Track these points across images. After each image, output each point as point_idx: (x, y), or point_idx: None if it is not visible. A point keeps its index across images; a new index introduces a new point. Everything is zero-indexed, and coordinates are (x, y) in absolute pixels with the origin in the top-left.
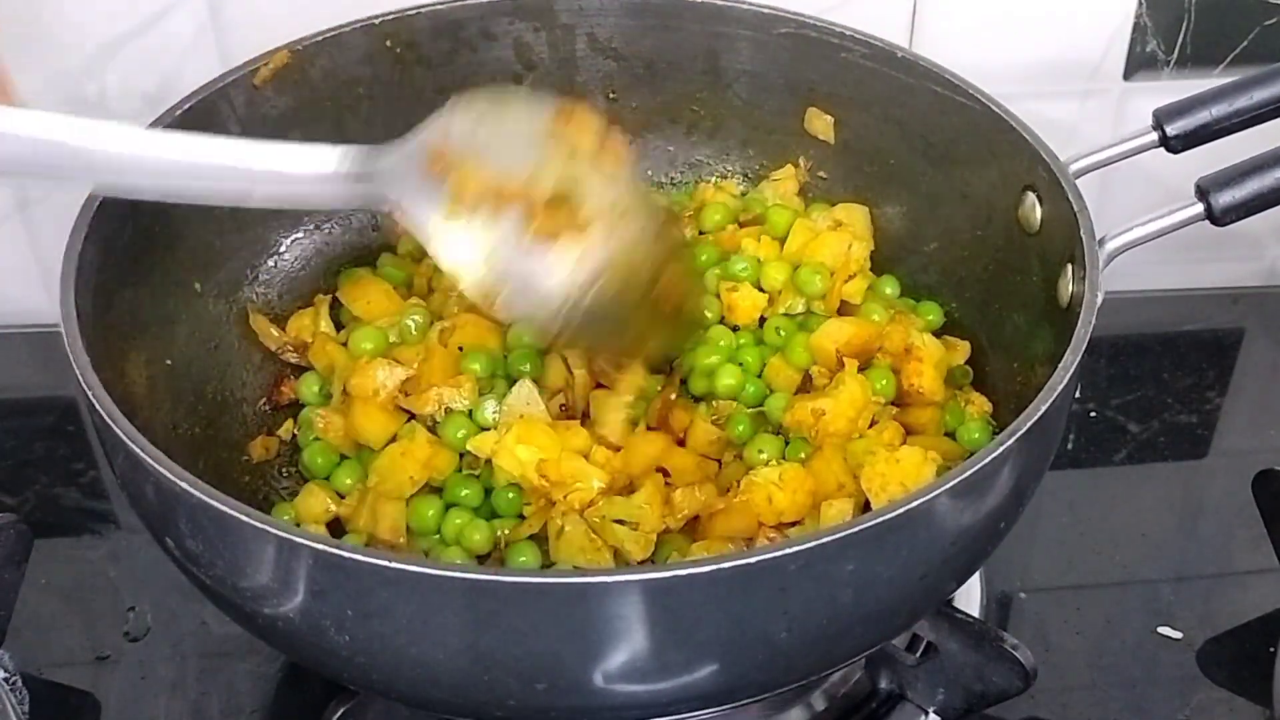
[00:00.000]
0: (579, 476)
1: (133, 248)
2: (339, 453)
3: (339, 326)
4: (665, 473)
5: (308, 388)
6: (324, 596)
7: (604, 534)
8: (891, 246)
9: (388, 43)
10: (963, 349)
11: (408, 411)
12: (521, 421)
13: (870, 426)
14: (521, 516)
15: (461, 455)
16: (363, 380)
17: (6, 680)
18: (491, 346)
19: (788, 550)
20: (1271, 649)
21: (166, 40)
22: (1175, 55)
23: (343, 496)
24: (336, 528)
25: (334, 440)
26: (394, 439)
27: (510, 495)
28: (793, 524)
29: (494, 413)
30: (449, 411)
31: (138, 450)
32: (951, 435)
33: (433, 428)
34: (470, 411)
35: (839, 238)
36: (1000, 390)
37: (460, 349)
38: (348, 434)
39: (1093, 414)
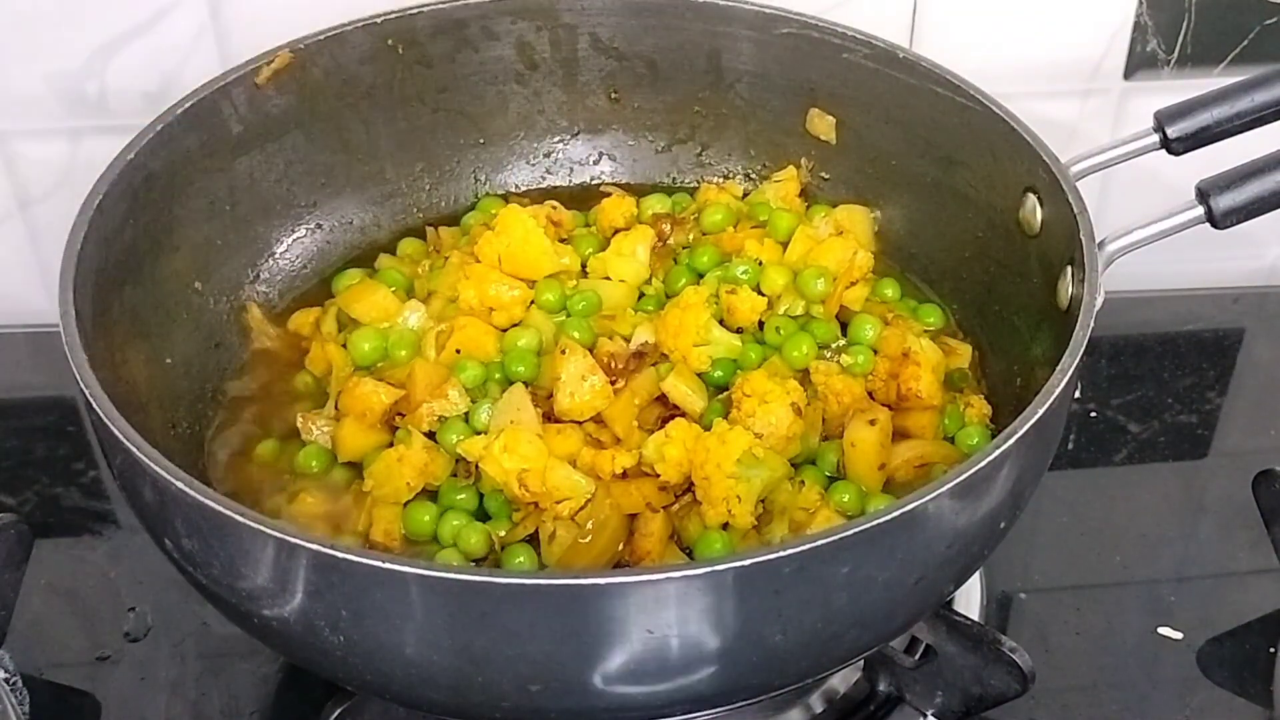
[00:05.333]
0: (565, 487)
1: (133, 248)
2: (334, 453)
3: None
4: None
5: (303, 386)
6: (319, 597)
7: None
8: (892, 248)
9: (389, 42)
10: (965, 352)
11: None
12: (509, 429)
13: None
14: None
15: (457, 460)
16: (352, 400)
17: (6, 680)
18: (488, 349)
19: (782, 553)
20: (1271, 649)
21: (166, 40)
22: (1175, 55)
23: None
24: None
25: (328, 444)
26: (390, 445)
27: (500, 499)
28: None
29: (488, 417)
30: (444, 420)
31: (135, 450)
32: (951, 439)
33: (432, 433)
34: (467, 415)
35: (844, 244)
36: (1000, 392)
37: (458, 351)
38: (338, 445)
39: (1093, 414)
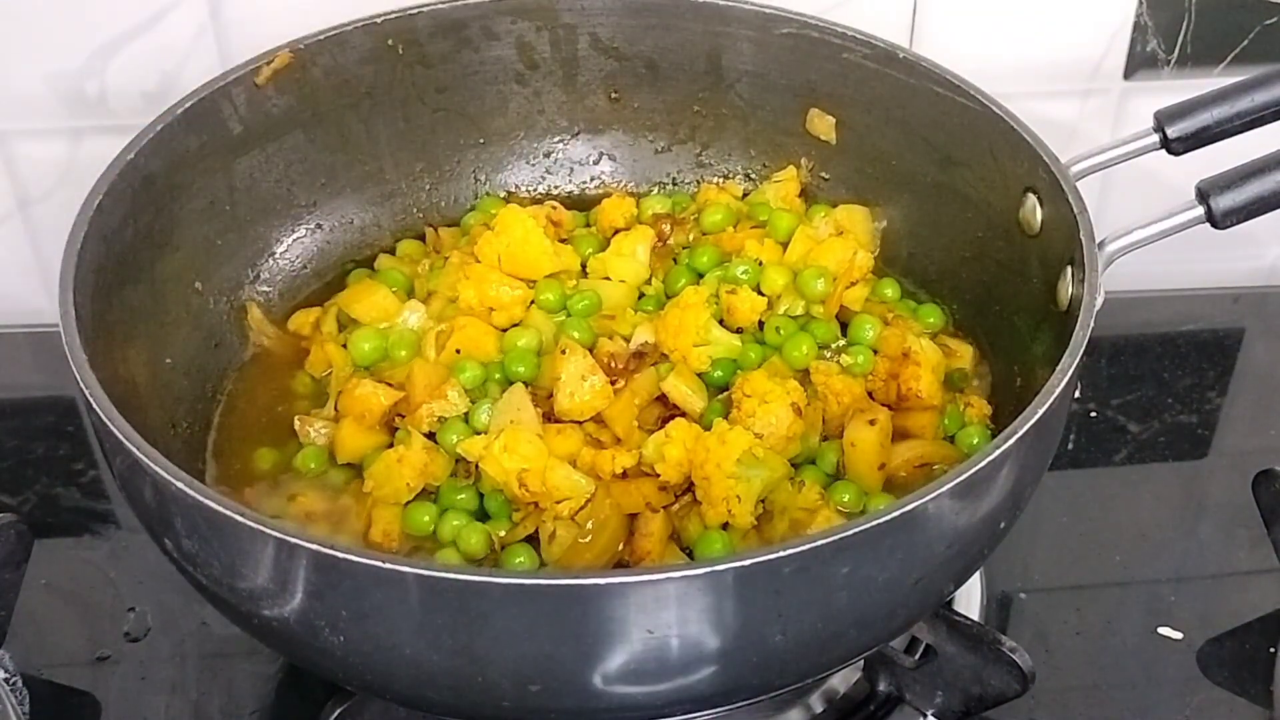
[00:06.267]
0: (565, 487)
1: (133, 248)
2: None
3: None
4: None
5: (302, 387)
6: (319, 597)
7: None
8: (892, 248)
9: (389, 42)
10: (965, 352)
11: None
12: (509, 429)
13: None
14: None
15: (457, 460)
16: (352, 401)
17: (6, 680)
18: (488, 349)
19: (782, 553)
20: (1271, 649)
21: (166, 40)
22: (1175, 55)
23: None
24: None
25: (325, 446)
26: (389, 446)
27: (500, 499)
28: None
29: (488, 417)
30: (443, 420)
31: (135, 450)
32: (951, 439)
33: (432, 433)
34: (467, 415)
35: (844, 244)
36: (1000, 392)
37: (458, 351)
38: (337, 447)
39: (1093, 414)
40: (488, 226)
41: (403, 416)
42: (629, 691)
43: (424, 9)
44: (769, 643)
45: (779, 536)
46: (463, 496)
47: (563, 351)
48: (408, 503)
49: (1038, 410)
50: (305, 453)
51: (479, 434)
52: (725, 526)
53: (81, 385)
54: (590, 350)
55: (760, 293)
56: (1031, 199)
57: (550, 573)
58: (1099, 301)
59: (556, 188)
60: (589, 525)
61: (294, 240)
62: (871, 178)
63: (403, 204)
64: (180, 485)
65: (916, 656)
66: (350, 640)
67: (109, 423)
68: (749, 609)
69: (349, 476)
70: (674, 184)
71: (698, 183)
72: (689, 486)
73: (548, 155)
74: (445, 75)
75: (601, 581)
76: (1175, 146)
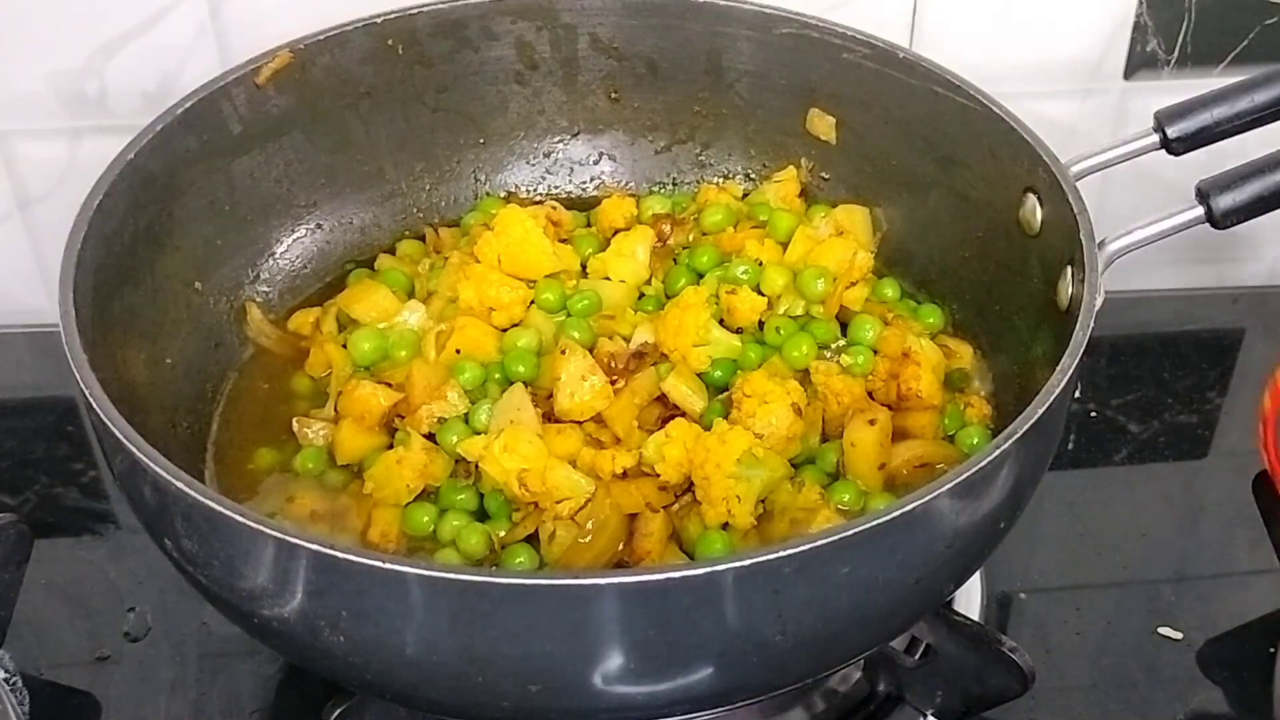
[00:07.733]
0: (565, 487)
1: (133, 248)
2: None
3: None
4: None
5: (302, 387)
6: (319, 597)
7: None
8: (892, 248)
9: (389, 42)
10: (965, 352)
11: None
12: (509, 429)
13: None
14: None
15: (457, 460)
16: (351, 402)
17: (6, 680)
18: (488, 349)
19: (782, 553)
20: (1271, 649)
21: (166, 40)
22: (1175, 55)
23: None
24: None
25: (324, 447)
26: (389, 446)
27: (500, 499)
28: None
29: (488, 417)
30: (443, 421)
31: (135, 450)
32: (951, 439)
33: (431, 434)
34: (466, 416)
35: (844, 245)
36: (1001, 393)
37: (458, 351)
38: (337, 448)
39: (1093, 414)
40: (488, 226)
41: (402, 417)
42: (629, 691)
43: (424, 9)
44: (769, 643)
45: (779, 536)
46: (463, 497)
47: (563, 351)
48: (407, 503)
49: (1038, 410)
50: (304, 453)
51: (479, 434)
52: (725, 526)
53: (81, 385)
54: (590, 350)
55: (760, 293)
56: (1031, 199)
57: (550, 573)
58: (1099, 301)
59: (556, 188)
60: (589, 525)
61: (294, 240)
62: (871, 178)
63: (403, 204)
64: (180, 485)
65: (916, 656)
66: (350, 640)
67: (109, 423)
68: (749, 609)
69: (348, 477)
70: (674, 184)
71: (698, 183)
72: (689, 486)
73: (548, 155)
74: (445, 75)
75: (601, 581)
76: (1175, 146)
